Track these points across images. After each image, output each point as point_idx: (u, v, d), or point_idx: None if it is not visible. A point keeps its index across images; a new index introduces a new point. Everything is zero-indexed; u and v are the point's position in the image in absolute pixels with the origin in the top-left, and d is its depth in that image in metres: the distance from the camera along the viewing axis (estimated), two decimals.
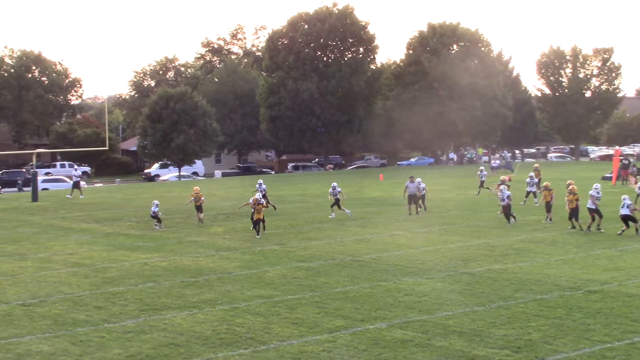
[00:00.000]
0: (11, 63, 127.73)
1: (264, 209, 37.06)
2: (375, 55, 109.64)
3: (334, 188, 43.64)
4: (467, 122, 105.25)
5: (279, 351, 18.09)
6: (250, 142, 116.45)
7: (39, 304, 23.12)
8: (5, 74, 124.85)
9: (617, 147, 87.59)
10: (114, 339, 19.28)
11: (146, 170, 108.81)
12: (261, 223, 36.90)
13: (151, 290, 24.93)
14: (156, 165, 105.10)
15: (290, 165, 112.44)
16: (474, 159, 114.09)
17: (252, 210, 36.92)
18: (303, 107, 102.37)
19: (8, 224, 42.75)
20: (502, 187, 40.06)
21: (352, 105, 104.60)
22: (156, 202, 40.99)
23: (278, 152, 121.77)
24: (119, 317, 21.41)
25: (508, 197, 38.89)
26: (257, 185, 47.27)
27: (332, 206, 43.56)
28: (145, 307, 22.59)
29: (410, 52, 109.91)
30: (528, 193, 47.55)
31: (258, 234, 36.47)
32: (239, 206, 44.34)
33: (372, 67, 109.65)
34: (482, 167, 56.44)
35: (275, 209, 45.44)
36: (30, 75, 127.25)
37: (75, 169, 64.43)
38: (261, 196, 39.61)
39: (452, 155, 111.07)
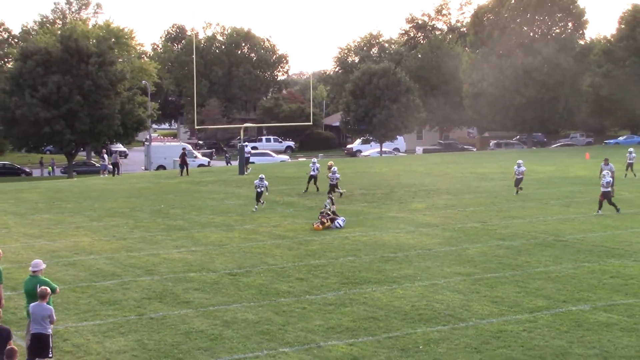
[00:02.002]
0: (222, 40, 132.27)
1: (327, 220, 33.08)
2: (585, 30, 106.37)
3: (519, 165, 42.67)
4: None
5: (478, 329, 18.00)
6: (452, 119, 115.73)
7: (245, 274, 23.96)
8: (217, 51, 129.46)
9: None
10: (315, 310, 19.74)
11: (348, 146, 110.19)
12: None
13: (351, 264, 25.32)
14: (358, 140, 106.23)
15: (492, 142, 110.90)
16: None
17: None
18: (507, 84, 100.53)
19: (217, 196, 44.43)
20: None
21: (559, 82, 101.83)
22: (261, 175, 38.70)
23: (480, 129, 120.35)
24: (320, 290, 21.88)
25: None
26: (311, 164, 45.45)
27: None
28: (346, 280, 22.98)
29: (623, 26, 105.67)
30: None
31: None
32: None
33: (581, 42, 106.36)
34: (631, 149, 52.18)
35: (341, 195, 42.44)
36: (239, 52, 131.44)
37: (246, 145, 64.71)
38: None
39: None
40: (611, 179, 36.17)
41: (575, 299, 20.45)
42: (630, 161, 50.01)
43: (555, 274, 23.43)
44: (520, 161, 43.30)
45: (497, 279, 22.90)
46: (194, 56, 75.78)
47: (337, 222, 32.85)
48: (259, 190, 37.87)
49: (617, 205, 35.29)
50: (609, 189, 35.29)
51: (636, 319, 18.55)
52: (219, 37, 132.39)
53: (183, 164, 59.17)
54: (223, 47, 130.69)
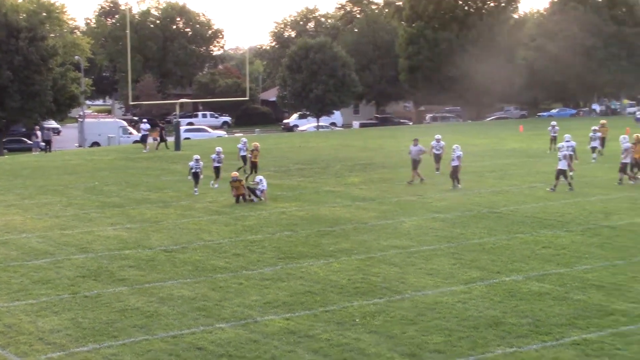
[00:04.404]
0: (157, 15, 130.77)
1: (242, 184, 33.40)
2: (518, 4, 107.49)
3: (437, 141, 40.44)
4: (612, 72, 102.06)
5: (413, 301, 18.15)
6: (388, 93, 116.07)
7: (181, 250, 23.84)
8: (151, 25, 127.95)
9: None
10: (251, 285, 19.73)
11: (285, 121, 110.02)
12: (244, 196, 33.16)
13: (288, 239, 25.34)
14: (295, 115, 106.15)
15: (428, 116, 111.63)
16: (619, 110, 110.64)
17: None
18: (442, 57, 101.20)
19: (152, 172, 44.08)
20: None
21: (493, 56, 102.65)
22: (196, 156, 36.16)
23: (416, 102, 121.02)
24: (257, 265, 21.87)
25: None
26: (240, 145, 43.84)
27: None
28: (283, 255, 22.99)
29: (555, 1, 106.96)
30: (594, 149, 44.95)
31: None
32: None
33: (515, 16, 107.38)
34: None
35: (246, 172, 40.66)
36: (174, 27, 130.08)
37: (144, 122, 64.25)
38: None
39: (596, 107, 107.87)
40: (572, 152, 36.72)
41: (509, 270, 20.72)
42: (554, 134, 50.12)
43: (489, 246, 23.71)
44: (438, 136, 41.31)
45: (432, 252, 23.11)
46: (127, 31, 74.42)
47: (258, 190, 32.85)
48: (195, 171, 35.62)
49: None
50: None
51: (567, 287, 18.87)
52: (154, 12, 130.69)
53: (161, 139, 58.71)
54: (158, 21, 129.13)
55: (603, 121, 49.62)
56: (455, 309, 17.47)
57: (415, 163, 37.58)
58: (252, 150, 40.39)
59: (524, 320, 16.60)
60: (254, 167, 39.89)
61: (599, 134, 45.38)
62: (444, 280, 19.86)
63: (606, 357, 14.49)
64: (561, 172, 33.88)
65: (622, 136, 38.49)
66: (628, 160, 36.05)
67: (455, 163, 35.50)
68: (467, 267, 21.18)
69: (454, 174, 35.64)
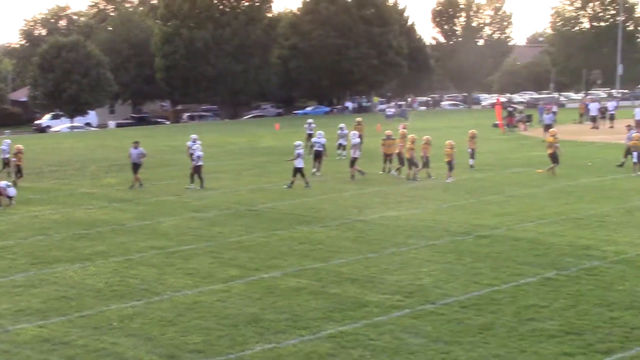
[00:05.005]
0: None
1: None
2: (272, 4, 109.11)
3: (194, 141, 39.11)
4: (363, 70, 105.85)
5: (173, 302, 18.01)
6: (145, 92, 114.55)
7: None
8: None
9: (498, 96, 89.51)
10: (2, 293, 18.90)
11: (37, 122, 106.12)
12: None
13: (41, 243, 24.48)
14: (47, 116, 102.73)
15: (185, 115, 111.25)
16: (370, 107, 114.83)
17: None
18: (198, 56, 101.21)
19: None
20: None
21: (249, 54, 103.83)
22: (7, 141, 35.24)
23: (173, 102, 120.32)
24: (8, 272, 20.97)
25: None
26: (5, 147, 41.80)
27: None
28: (36, 260, 22.18)
29: (307, 0, 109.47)
30: (339, 146, 46.12)
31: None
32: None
33: (269, 15, 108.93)
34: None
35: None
36: None
37: None
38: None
39: (349, 104, 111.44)
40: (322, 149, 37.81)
41: (267, 267, 20.97)
42: (310, 132, 50.81)
43: (247, 243, 23.91)
44: (194, 136, 40.41)
45: (191, 251, 23.03)
46: None
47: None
48: None
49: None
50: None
51: (323, 282, 19.32)
52: None
53: None
54: None
55: (359, 119, 51.09)
56: (215, 308, 17.48)
57: (136, 167, 36.27)
58: (16, 153, 38.76)
59: (282, 316, 16.84)
60: (19, 170, 38.26)
61: (346, 132, 46.35)
62: (203, 280, 19.82)
63: (360, 347, 14.93)
64: (298, 170, 34.75)
65: (352, 132, 40.05)
66: (357, 155, 37.48)
67: (196, 163, 35.38)
68: (226, 265, 21.25)
69: (195, 172, 35.46)
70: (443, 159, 36.26)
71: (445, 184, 35.16)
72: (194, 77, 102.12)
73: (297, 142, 35.73)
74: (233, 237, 24.85)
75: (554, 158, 37.06)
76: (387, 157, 38.93)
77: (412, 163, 36.60)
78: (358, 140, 38.25)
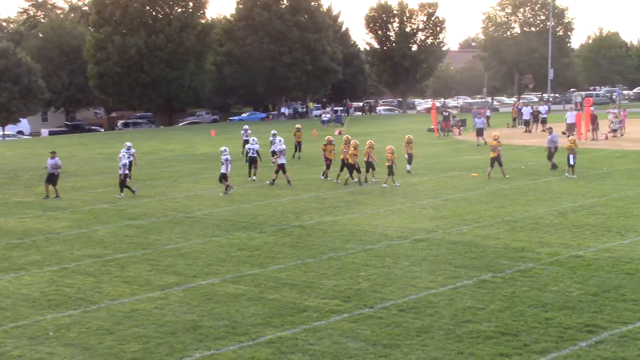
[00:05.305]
0: None
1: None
2: (205, 10, 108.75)
3: (128, 148, 39.12)
4: (298, 76, 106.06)
5: (110, 310, 17.84)
6: (78, 100, 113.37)
7: None
8: None
9: (433, 101, 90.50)
10: None
11: None
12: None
13: None
14: None
15: (120, 122, 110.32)
16: (306, 113, 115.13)
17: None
18: (131, 63, 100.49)
19: None
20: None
21: (183, 61, 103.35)
22: None
23: (107, 109, 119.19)
24: None
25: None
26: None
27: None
28: None
29: (241, 6, 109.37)
30: (273, 153, 44.08)
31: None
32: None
33: (202, 21, 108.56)
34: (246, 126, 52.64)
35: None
36: None
37: None
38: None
39: (284, 110, 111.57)
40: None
41: (205, 273, 20.89)
42: (246, 138, 50.50)
43: (185, 250, 23.80)
44: (128, 143, 40.31)
45: (128, 259, 22.84)
46: None
47: None
48: None
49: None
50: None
51: (261, 288, 19.31)
52: None
53: None
54: None
55: (298, 125, 51.12)
56: (153, 316, 17.36)
57: (52, 178, 35.39)
58: None
59: (220, 322, 16.79)
60: None
61: (278, 137, 45.96)
62: (140, 287, 19.67)
63: (300, 352, 14.95)
64: (223, 176, 34.78)
65: (278, 138, 39.92)
66: (283, 161, 37.44)
67: (121, 171, 35.10)
68: (164, 272, 21.12)
69: (122, 181, 35.25)
70: (384, 164, 36.56)
71: (382, 188, 35.40)
72: (127, 84, 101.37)
73: (223, 148, 35.71)
74: (170, 244, 24.72)
75: (494, 161, 37.49)
76: (329, 162, 39.06)
77: (354, 168, 36.76)
78: (284, 147, 38.23)
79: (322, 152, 40.09)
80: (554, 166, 39.53)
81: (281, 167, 37.28)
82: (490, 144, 38.70)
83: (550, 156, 39.87)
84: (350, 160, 36.73)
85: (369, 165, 37.13)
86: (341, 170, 37.60)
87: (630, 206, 29.06)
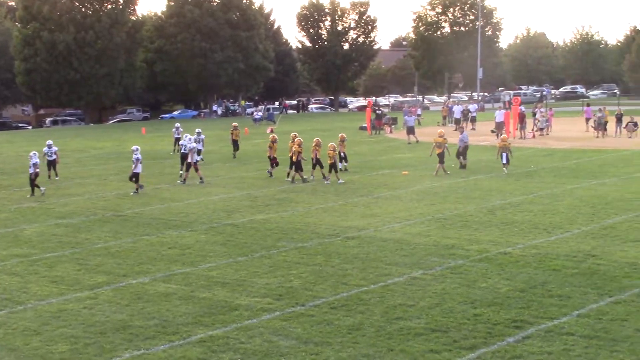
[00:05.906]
0: None
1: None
2: (136, 7, 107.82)
3: (49, 147, 39.69)
4: (230, 74, 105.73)
5: (37, 310, 17.55)
6: (5, 96, 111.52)
7: None
8: None
9: (369, 99, 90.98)
10: None
11: None
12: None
13: None
14: None
15: (48, 119, 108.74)
16: (238, 111, 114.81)
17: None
18: (60, 60, 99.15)
19: None
20: None
21: (113, 58, 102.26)
22: None
23: (35, 106, 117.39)
24: None
25: None
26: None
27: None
28: None
29: (172, 3, 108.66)
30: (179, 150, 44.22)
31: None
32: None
33: (133, 18, 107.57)
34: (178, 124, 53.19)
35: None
36: None
37: None
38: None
39: (216, 108, 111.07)
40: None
41: (135, 272, 20.68)
42: (178, 136, 49.94)
43: (115, 249, 23.53)
44: (50, 142, 40.53)
45: (56, 258, 22.51)
46: None
47: None
48: None
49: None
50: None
51: (192, 287, 19.18)
52: None
53: None
54: None
55: (235, 124, 50.82)
56: (81, 316, 17.13)
57: None
58: None
59: (151, 322, 16.63)
60: None
61: (203, 137, 45.54)
62: (69, 287, 19.39)
63: (231, 351, 14.88)
64: (134, 175, 34.64)
65: (188, 137, 39.63)
66: (196, 159, 37.41)
67: (31, 170, 34.62)
68: (93, 272, 20.86)
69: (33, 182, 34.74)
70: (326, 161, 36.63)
71: (313, 186, 35.45)
72: (56, 80, 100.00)
73: (134, 147, 35.36)
74: (100, 243, 24.42)
75: (441, 156, 37.86)
76: (273, 160, 38.87)
77: (297, 166, 36.71)
78: (193, 145, 37.95)
79: (267, 149, 39.49)
80: (462, 165, 40.06)
81: (189, 165, 37.14)
82: (436, 141, 38.85)
83: (458, 154, 40.36)
84: (293, 158, 36.70)
85: (313, 163, 37.09)
86: (290, 168, 37.47)
87: (557, 203, 29.51)
